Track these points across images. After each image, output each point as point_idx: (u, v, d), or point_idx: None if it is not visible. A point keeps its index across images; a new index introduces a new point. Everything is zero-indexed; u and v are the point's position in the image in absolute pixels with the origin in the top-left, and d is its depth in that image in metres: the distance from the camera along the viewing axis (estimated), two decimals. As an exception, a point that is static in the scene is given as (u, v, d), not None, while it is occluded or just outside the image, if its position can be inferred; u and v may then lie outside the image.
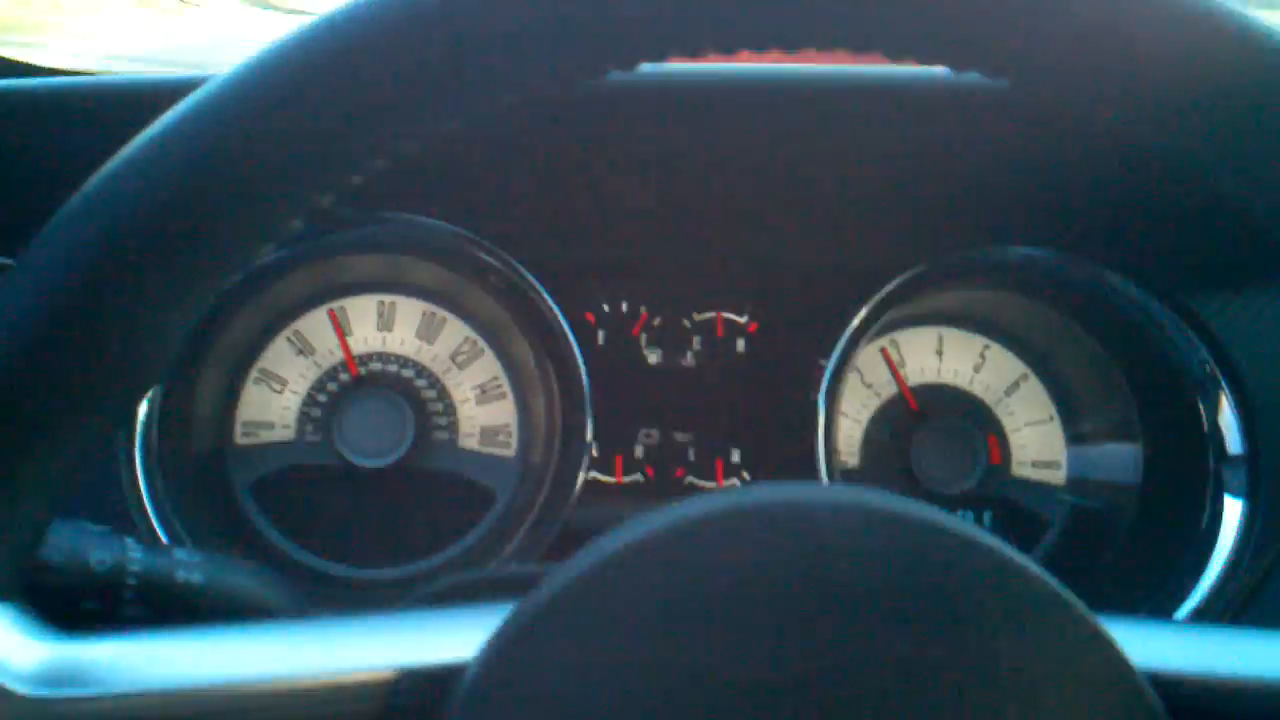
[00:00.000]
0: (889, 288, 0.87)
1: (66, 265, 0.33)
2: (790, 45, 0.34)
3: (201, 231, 0.33)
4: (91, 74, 0.84)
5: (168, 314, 0.34)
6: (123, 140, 0.35)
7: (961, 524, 0.35)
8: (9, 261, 0.82)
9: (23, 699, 0.34)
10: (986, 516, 0.98)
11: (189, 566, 0.48)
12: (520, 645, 0.34)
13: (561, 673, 0.33)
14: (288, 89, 0.32)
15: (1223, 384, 0.87)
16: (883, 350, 0.97)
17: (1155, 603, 0.86)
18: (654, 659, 0.33)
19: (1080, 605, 0.34)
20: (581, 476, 0.89)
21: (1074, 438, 0.98)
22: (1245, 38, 0.33)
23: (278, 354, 0.94)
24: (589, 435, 0.89)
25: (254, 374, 0.93)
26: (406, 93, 0.33)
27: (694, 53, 0.33)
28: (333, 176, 0.34)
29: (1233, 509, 0.86)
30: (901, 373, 0.97)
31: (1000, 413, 0.98)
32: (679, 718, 0.32)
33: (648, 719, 0.32)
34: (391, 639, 0.37)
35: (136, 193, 0.33)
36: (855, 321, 0.88)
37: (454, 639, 0.36)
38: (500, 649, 0.34)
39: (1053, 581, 0.35)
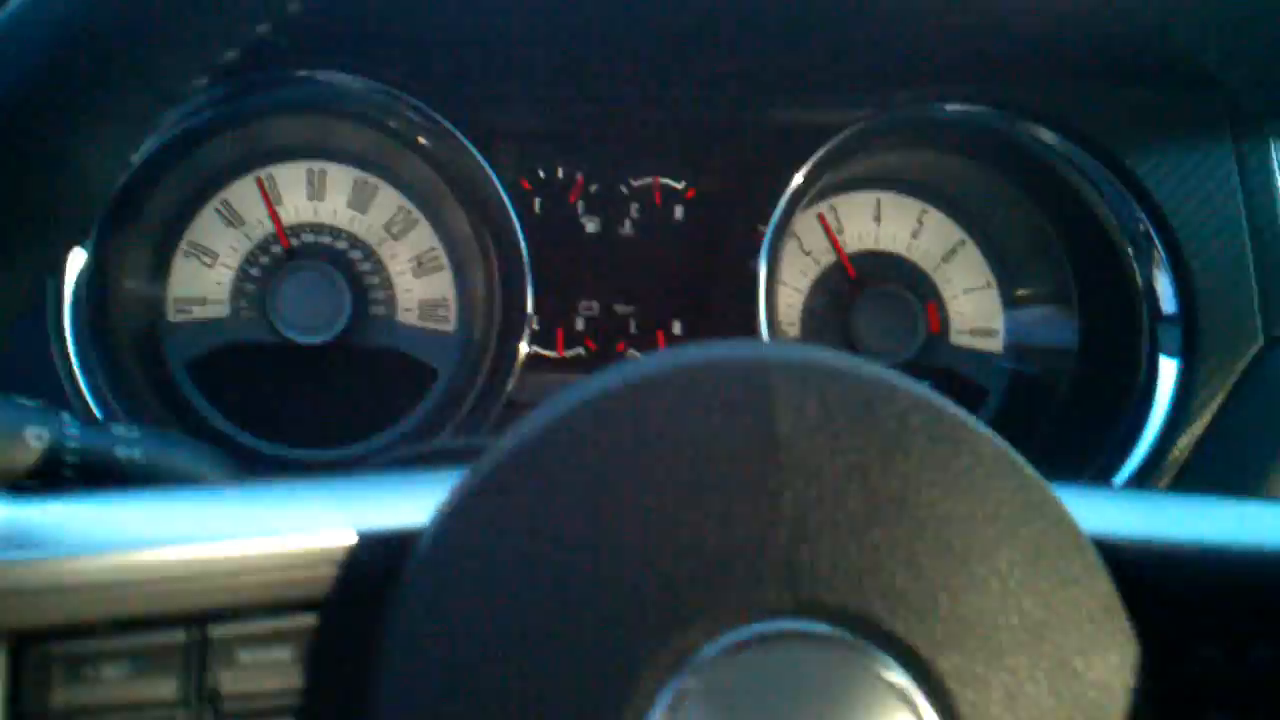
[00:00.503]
0: (826, 148, 0.86)
1: None
2: None
3: (133, 55, 0.33)
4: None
5: (110, 135, 0.34)
6: None
7: (913, 382, 0.35)
8: None
9: None
10: (927, 385, 0.98)
11: (128, 442, 0.48)
12: (474, 509, 0.34)
13: (513, 535, 0.33)
14: None
15: (1157, 243, 0.87)
16: (819, 216, 0.97)
17: (1096, 466, 0.87)
18: (602, 518, 0.33)
19: (1028, 467, 0.35)
20: (523, 350, 0.88)
21: (1011, 304, 0.99)
22: None
23: (206, 225, 0.91)
24: (529, 308, 0.88)
25: (183, 247, 0.91)
26: None
27: None
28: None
29: (1168, 369, 0.87)
30: (840, 239, 0.97)
31: (939, 279, 0.99)
32: (628, 576, 0.32)
33: (595, 580, 0.32)
34: (346, 504, 0.37)
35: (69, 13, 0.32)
36: (793, 185, 0.87)
37: (407, 505, 0.36)
38: (455, 513, 0.34)
39: (1003, 443, 0.35)
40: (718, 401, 0.34)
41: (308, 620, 0.36)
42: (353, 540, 0.36)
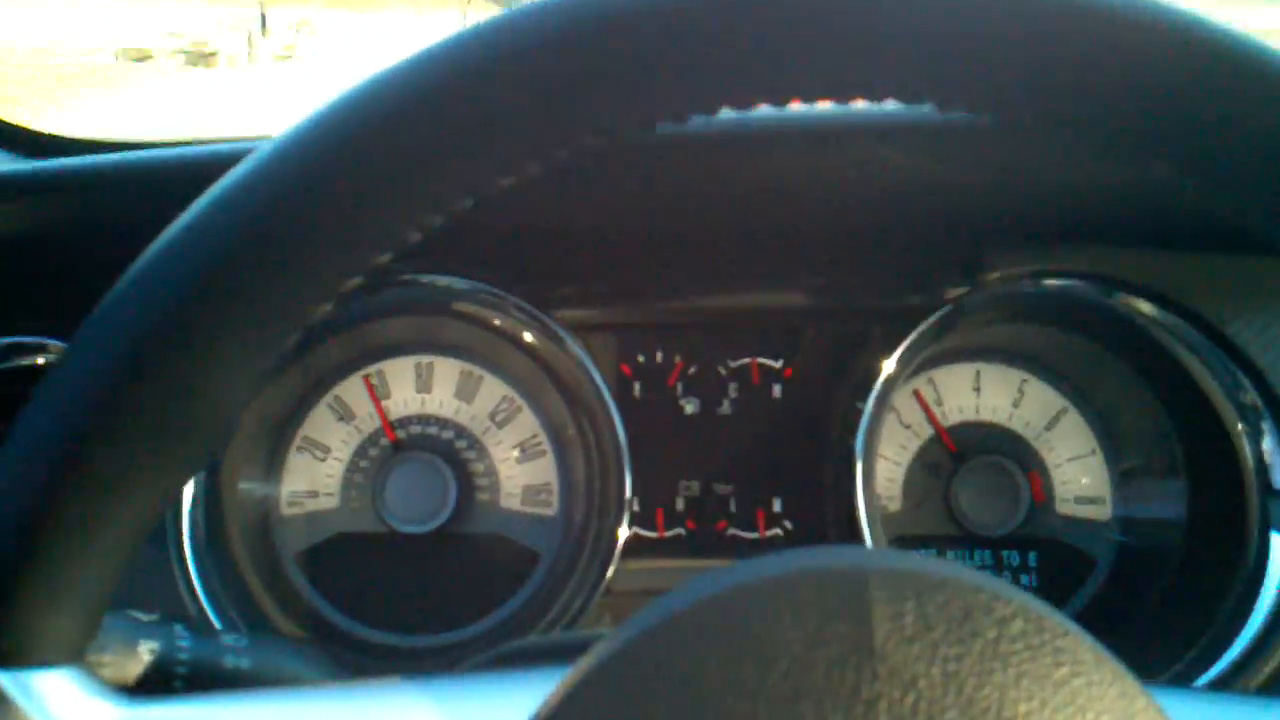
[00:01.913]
0: (923, 326, 0.87)
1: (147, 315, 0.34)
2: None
3: (286, 266, 0.34)
4: (136, 145, 0.86)
5: (246, 362, 0.35)
6: (172, 213, 0.36)
7: (1015, 590, 0.35)
8: (59, 343, 0.84)
9: None
10: (1033, 557, 0.97)
11: (236, 651, 0.49)
12: (575, 710, 0.34)
13: None
14: (365, 135, 0.33)
15: (1265, 415, 0.86)
16: (916, 393, 0.97)
17: (1205, 641, 0.84)
18: None
19: (1129, 676, 0.34)
20: (623, 533, 0.89)
21: (1118, 472, 0.97)
22: (1221, 51, 0.33)
23: (319, 421, 0.95)
24: (628, 491, 0.89)
25: (297, 442, 0.94)
26: (486, 134, 0.34)
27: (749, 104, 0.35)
28: (413, 218, 0.35)
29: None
30: (939, 411, 0.97)
31: (1041, 448, 0.98)
32: None
33: None
34: (444, 705, 0.38)
35: (226, 231, 0.34)
36: (890, 362, 0.87)
37: (504, 709, 0.37)
38: (556, 713, 0.34)
39: (1104, 652, 0.34)
40: (815, 610, 0.33)
41: None
42: None
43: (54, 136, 0.96)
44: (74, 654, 0.36)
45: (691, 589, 0.35)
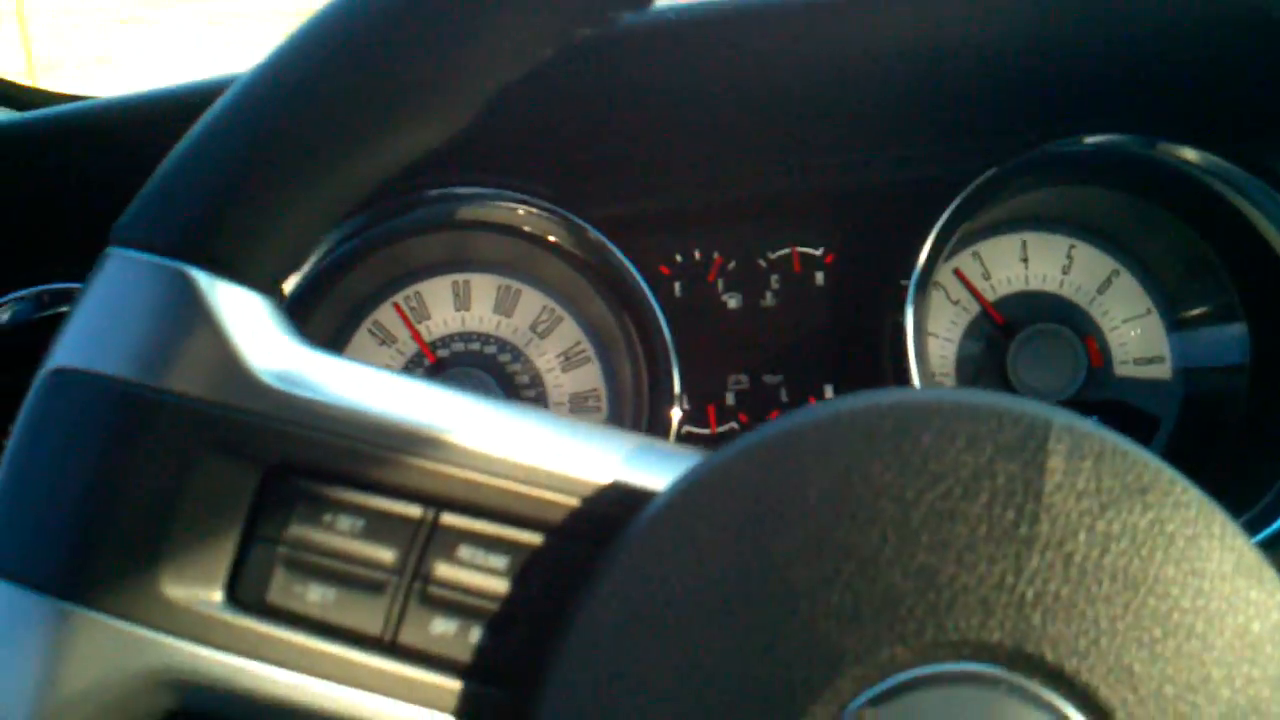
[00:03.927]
0: (961, 197, 0.85)
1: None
2: None
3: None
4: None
5: (474, 67, 0.37)
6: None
7: (1191, 483, 0.35)
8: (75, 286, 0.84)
9: (264, 388, 0.36)
10: (1095, 421, 0.95)
11: None
12: (709, 488, 0.35)
13: (742, 520, 0.34)
14: None
15: None
16: (956, 271, 0.95)
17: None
18: (840, 524, 0.33)
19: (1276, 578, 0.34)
20: (674, 431, 0.88)
21: (1175, 327, 0.95)
22: None
23: (361, 346, 0.94)
24: (676, 389, 0.88)
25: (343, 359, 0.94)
26: None
27: None
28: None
29: None
30: (988, 285, 0.95)
31: (1095, 312, 0.96)
32: (863, 586, 0.33)
33: (817, 580, 0.33)
34: (606, 446, 0.38)
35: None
36: (931, 237, 0.85)
37: (659, 470, 0.37)
38: (690, 488, 0.35)
39: (1260, 557, 0.34)
40: (991, 444, 0.34)
41: (532, 538, 0.37)
42: (601, 479, 0.37)
43: (47, 91, 0.96)
44: (273, 285, 0.38)
45: (869, 396, 0.36)
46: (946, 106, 0.86)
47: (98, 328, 0.36)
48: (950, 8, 0.77)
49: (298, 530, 0.36)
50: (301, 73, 0.36)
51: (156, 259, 0.36)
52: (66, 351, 0.36)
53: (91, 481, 0.35)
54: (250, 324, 0.36)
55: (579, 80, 0.78)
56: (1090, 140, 0.85)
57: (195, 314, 0.36)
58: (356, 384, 0.37)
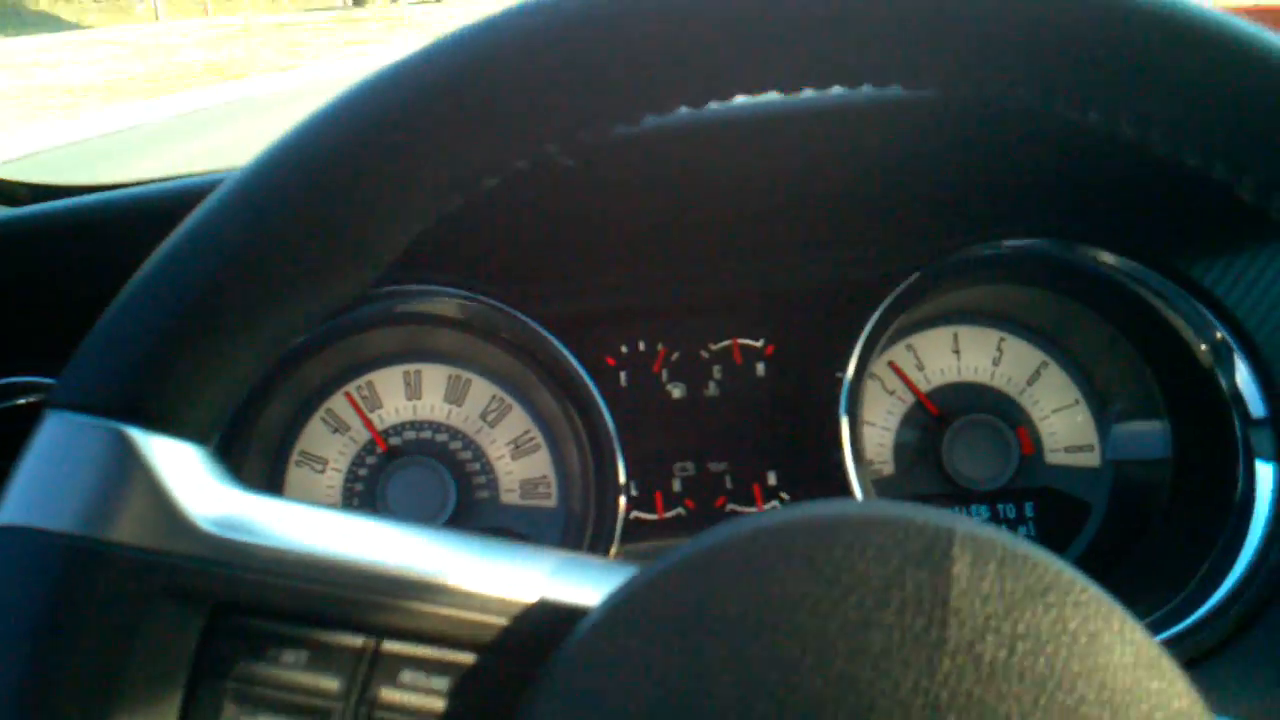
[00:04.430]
0: (891, 297, 0.89)
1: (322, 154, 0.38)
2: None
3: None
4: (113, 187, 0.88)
5: (416, 197, 0.38)
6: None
7: (1092, 582, 0.36)
8: (49, 381, 0.86)
9: (204, 535, 0.38)
10: (1028, 507, 0.99)
11: None
12: (640, 603, 0.36)
13: (669, 636, 0.35)
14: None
15: (1236, 349, 0.87)
16: (891, 363, 0.99)
17: (1203, 570, 0.86)
18: (762, 637, 0.35)
19: (1188, 685, 0.35)
20: (620, 518, 0.91)
21: (1102, 418, 0.99)
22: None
23: (314, 434, 0.97)
24: (622, 477, 0.91)
25: (295, 457, 0.96)
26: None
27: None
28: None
29: (1265, 474, 0.86)
30: (922, 375, 0.99)
31: (1025, 402, 0.99)
32: (778, 695, 0.34)
33: (739, 696, 0.34)
34: (534, 567, 0.40)
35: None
36: (866, 331, 0.89)
37: (587, 586, 0.39)
38: (621, 603, 0.37)
39: (1178, 670, 0.35)
40: (898, 554, 0.35)
41: (469, 659, 0.39)
42: (530, 599, 0.39)
43: (28, 184, 0.98)
44: (206, 436, 0.40)
45: (784, 513, 0.38)
46: (876, 213, 0.90)
47: (40, 486, 0.38)
48: (877, 124, 0.82)
49: (244, 666, 0.38)
50: (231, 230, 0.38)
51: (93, 419, 0.38)
52: (10, 510, 0.38)
53: (39, 633, 0.36)
54: (186, 474, 0.38)
55: (525, 188, 0.82)
56: (1009, 243, 0.90)
57: (133, 469, 0.38)
58: (292, 523, 0.39)
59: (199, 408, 0.39)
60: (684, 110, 0.39)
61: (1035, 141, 0.84)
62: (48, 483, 0.38)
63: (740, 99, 0.40)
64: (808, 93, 0.71)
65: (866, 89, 0.40)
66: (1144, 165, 0.83)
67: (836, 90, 0.79)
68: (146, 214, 0.82)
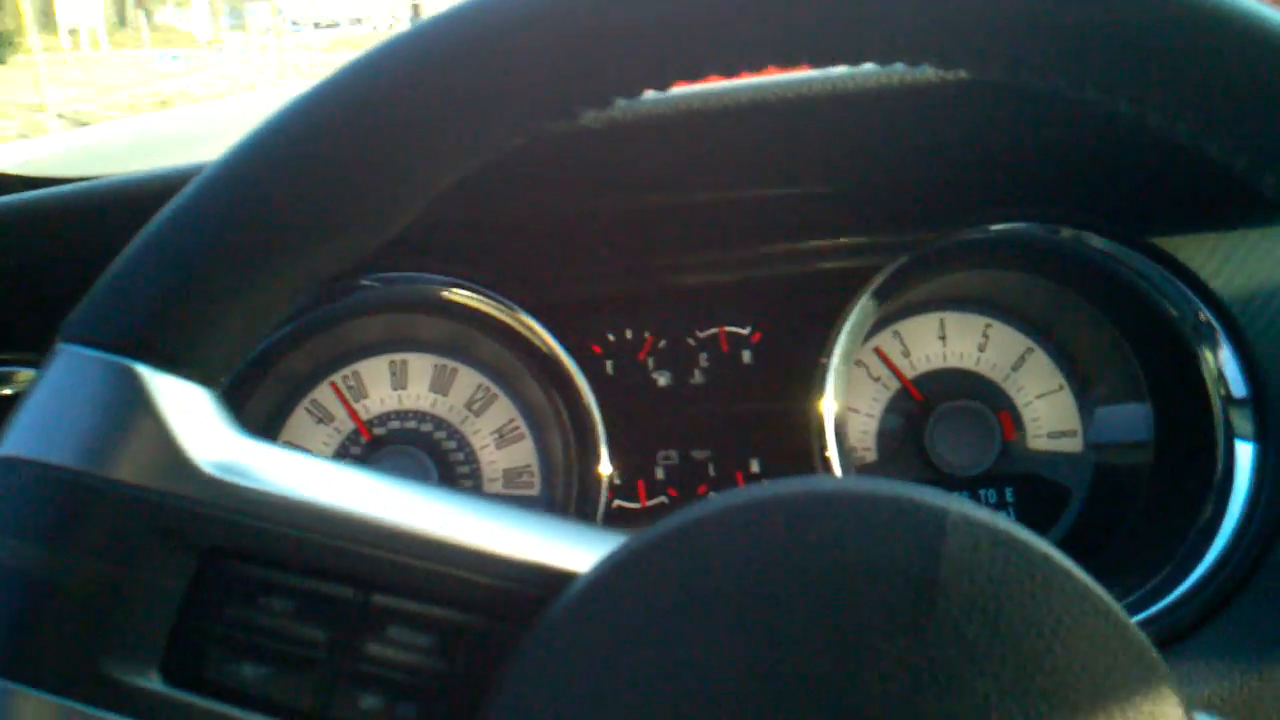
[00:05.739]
0: (876, 282, 0.89)
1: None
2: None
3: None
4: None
5: (432, 157, 0.39)
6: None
7: (1085, 572, 0.36)
8: (28, 371, 0.85)
9: (203, 477, 0.38)
10: (1009, 492, 0.99)
11: None
12: (629, 569, 0.36)
13: (657, 603, 0.36)
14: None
15: (1219, 330, 0.88)
16: (877, 349, 0.99)
17: (1182, 551, 0.87)
18: (747, 609, 0.35)
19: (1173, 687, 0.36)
20: (602, 506, 0.91)
21: (1085, 403, 0.99)
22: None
23: (299, 425, 0.96)
24: (605, 465, 0.91)
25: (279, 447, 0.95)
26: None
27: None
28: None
29: (1245, 453, 0.87)
30: (907, 361, 0.99)
31: (1009, 388, 1.00)
32: (760, 666, 0.34)
33: (718, 670, 0.34)
34: (528, 529, 0.40)
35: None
36: (850, 319, 0.89)
37: (581, 550, 0.39)
38: (612, 568, 0.37)
39: (1154, 651, 0.36)
40: (888, 532, 0.35)
41: (458, 618, 0.39)
42: (521, 560, 0.39)
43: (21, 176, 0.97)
44: (214, 379, 0.40)
45: (780, 485, 0.38)
46: (862, 200, 0.90)
47: (46, 419, 0.38)
48: (862, 110, 0.82)
49: (232, 611, 0.38)
50: (250, 178, 0.38)
51: (103, 355, 0.38)
52: (14, 441, 0.38)
53: (34, 564, 0.36)
54: (192, 416, 0.38)
55: (514, 173, 0.81)
56: (996, 228, 0.90)
57: (139, 407, 0.38)
58: (291, 472, 0.39)
59: (209, 349, 0.39)
60: (684, 89, 0.39)
61: (1020, 126, 0.84)
62: (53, 416, 0.38)
63: (726, 83, 0.40)
64: (791, 79, 0.71)
65: (842, 69, 0.40)
66: (1128, 148, 0.84)
67: (822, 76, 0.80)
68: (136, 200, 0.81)
